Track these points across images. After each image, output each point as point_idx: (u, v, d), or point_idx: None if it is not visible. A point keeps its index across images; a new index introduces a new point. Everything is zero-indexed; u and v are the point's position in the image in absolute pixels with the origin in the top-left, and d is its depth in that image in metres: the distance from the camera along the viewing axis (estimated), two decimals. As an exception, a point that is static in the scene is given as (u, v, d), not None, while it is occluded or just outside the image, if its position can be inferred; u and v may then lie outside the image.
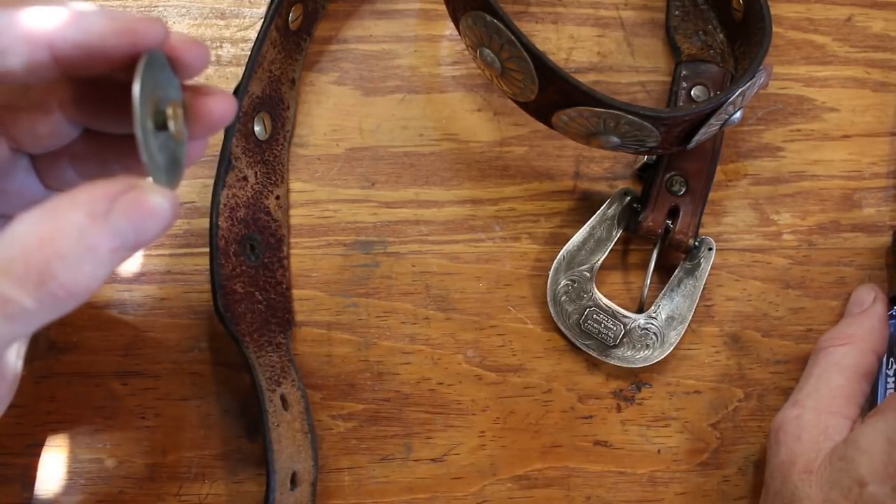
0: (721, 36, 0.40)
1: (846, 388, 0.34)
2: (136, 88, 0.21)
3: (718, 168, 0.39)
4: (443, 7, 0.36)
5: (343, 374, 0.36)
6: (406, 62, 0.40)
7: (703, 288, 0.37)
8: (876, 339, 0.35)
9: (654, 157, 0.38)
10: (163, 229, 0.21)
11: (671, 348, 0.37)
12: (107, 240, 0.20)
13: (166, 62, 0.23)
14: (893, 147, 0.41)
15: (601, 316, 0.37)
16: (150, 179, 0.22)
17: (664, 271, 0.38)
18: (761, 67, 0.35)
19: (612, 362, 0.37)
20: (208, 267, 0.33)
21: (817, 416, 0.33)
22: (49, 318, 0.20)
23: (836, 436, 0.32)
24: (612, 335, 0.37)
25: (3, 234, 0.19)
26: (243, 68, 0.36)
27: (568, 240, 0.37)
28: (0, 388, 0.23)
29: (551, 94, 0.33)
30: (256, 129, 0.36)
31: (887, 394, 0.37)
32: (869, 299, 0.37)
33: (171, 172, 0.23)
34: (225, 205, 0.34)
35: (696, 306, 0.37)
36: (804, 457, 0.32)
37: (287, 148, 0.38)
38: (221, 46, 0.39)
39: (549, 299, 0.37)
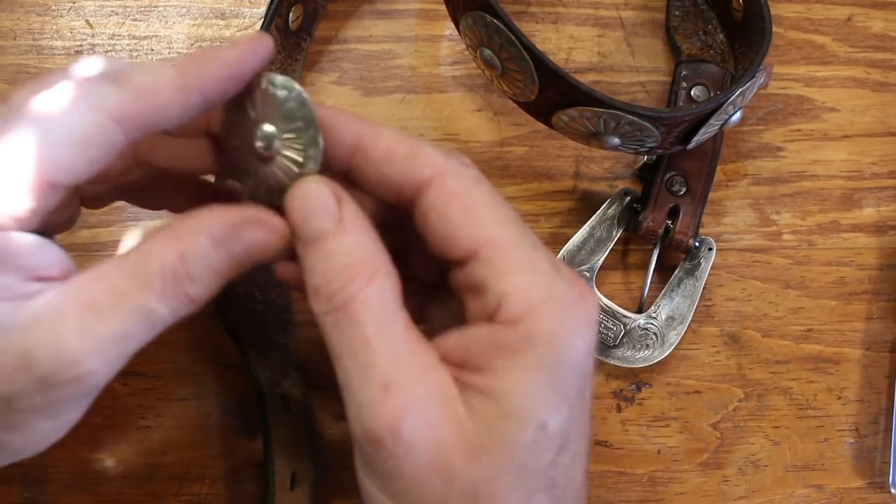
0: (721, 36, 0.40)
1: None
2: (310, 103, 0.24)
3: (718, 168, 0.39)
4: (443, 7, 0.36)
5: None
6: (406, 62, 0.40)
7: (703, 288, 0.37)
8: None
9: (654, 157, 0.38)
10: (274, 254, 0.24)
11: (671, 348, 0.37)
12: (226, 262, 0.23)
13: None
14: (893, 147, 0.41)
15: (601, 316, 0.37)
16: (258, 210, 0.24)
17: (664, 271, 0.38)
18: (761, 67, 0.35)
19: (612, 362, 0.37)
20: (208, 267, 0.33)
21: None
22: (170, 323, 0.23)
23: None
24: (612, 335, 0.37)
25: (135, 251, 0.22)
26: (243, 68, 0.36)
27: (568, 240, 0.37)
28: (95, 395, 0.24)
29: (551, 94, 0.33)
30: (256, 129, 0.36)
31: None
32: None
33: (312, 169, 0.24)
34: (225, 205, 0.34)
35: (696, 306, 0.37)
36: None
37: (287, 148, 0.38)
38: (221, 46, 0.39)
39: (549, 299, 0.37)
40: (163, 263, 0.22)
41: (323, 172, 0.24)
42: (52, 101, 0.22)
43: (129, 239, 0.35)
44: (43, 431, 0.23)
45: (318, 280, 0.23)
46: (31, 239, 0.22)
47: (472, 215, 0.23)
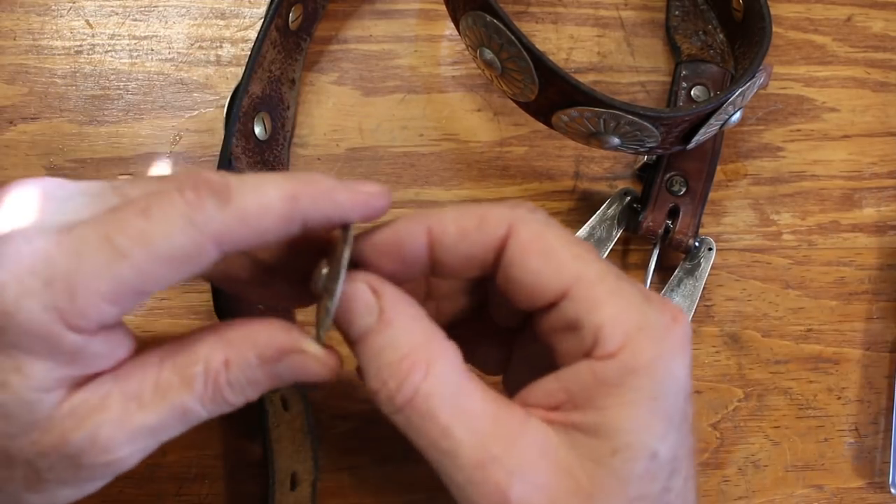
0: (721, 36, 0.40)
1: None
2: (346, 256, 0.23)
3: (718, 168, 0.39)
4: (443, 7, 0.36)
5: (343, 374, 0.36)
6: (406, 62, 0.40)
7: (703, 288, 0.37)
8: None
9: (654, 157, 0.38)
10: (320, 381, 0.24)
11: (671, 348, 0.37)
12: (269, 379, 0.23)
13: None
14: (893, 147, 0.41)
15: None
16: (312, 341, 0.24)
17: (664, 271, 0.38)
18: (761, 67, 0.35)
19: (612, 362, 0.37)
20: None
21: None
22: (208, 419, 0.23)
23: None
24: (612, 335, 0.37)
25: (182, 348, 0.23)
26: (243, 68, 0.36)
27: (568, 240, 0.37)
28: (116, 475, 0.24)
29: (551, 94, 0.33)
30: (256, 129, 0.36)
31: None
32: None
33: (326, 326, 0.24)
34: (225, 205, 0.34)
35: (696, 306, 0.37)
36: None
37: (287, 148, 0.38)
38: (221, 46, 0.39)
39: (549, 299, 0.37)
40: (207, 368, 0.22)
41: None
42: (159, 212, 0.21)
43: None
44: (64, 496, 0.23)
45: (375, 382, 0.23)
46: (105, 342, 0.22)
47: (553, 259, 0.23)
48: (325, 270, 0.24)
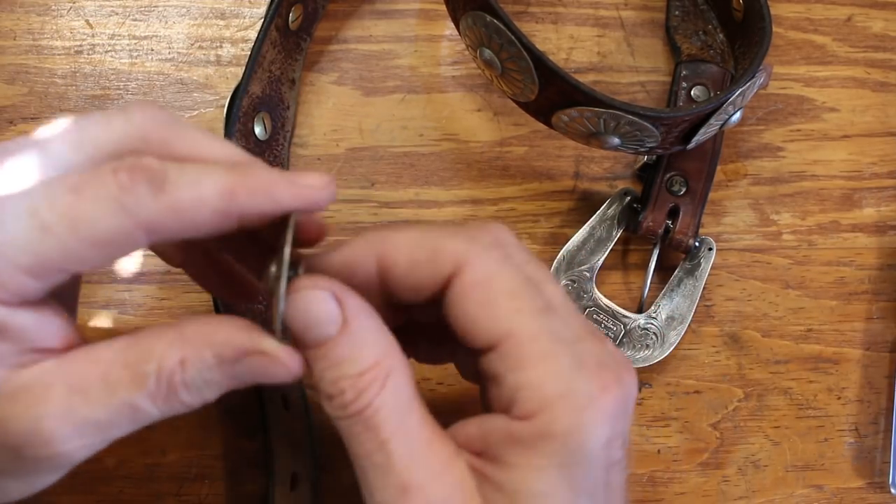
0: (721, 36, 0.40)
1: None
2: (287, 252, 0.22)
3: (718, 168, 0.39)
4: (443, 7, 0.36)
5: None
6: (406, 62, 0.40)
7: (703, 288, 0.37)
8: None
9: (654, 157, 0.38)
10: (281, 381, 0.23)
11: (671, 348, 0.37)
12: (227, 379, 0.23)
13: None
14: (893, 147, 0.41)
15: (601, 316, 0.37)
16: (272, 341, 0.23)
17: (664, 271, 0.38)
18: (761, 67, 0.35)
19: (612, 362, 0.37)
20: (208, 267, 0.33)
21: None
22: (157, 420, 0.22)
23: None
24: (612, 335, 0.37)
25: (135, 345, 0.22)
26: (243, 68, 0.36)
27: (568, 240, 0.37)
28: (64, 472, 0.24)
29: (551, 94, 0.33)
30: (256, 129, 0.36)
31: None
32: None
33: (278, 327, 0.23)
34: (225, 205, 0.34)
35: (696, 306, 0.37)
36: None
37: (287, 148, 0.38)
38: (221, 46, 0.39)
39: (549, 299, 0.37)
40: (161, 367, 0.22)
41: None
42: (89, 192, 0.20)
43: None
44: (9, 489, 0.23)
45: (330, 389, 0.22)
46: (31, 315, 0.21)
47: (490, 308, 0.23)
48: (272, 269, 0.23)
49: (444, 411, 0.37)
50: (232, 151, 0.24)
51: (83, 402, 0.21)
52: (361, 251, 0.24)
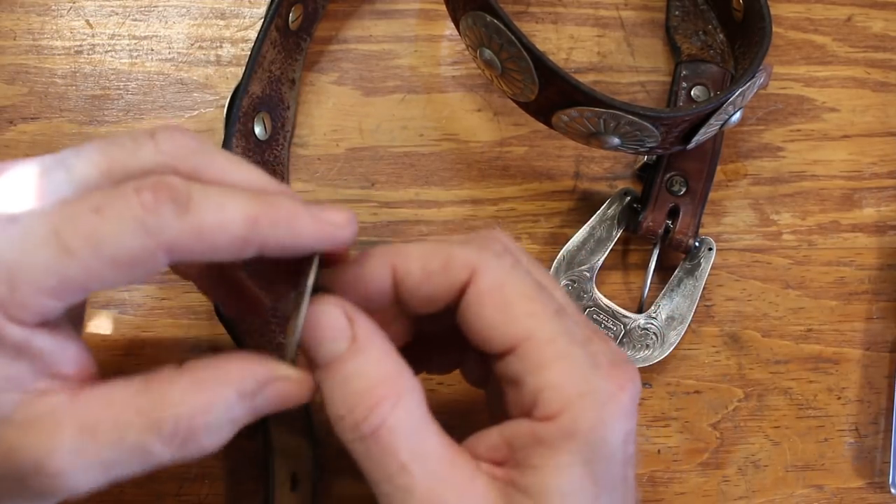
0: (721, 36, 0.40)
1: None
2: (310, 284, 0.23)
3: (718, 168, 0.39)
4: (443, 7, 0.36)
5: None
6: (406, 62, 0.40)
7: (703, 288, 0.37)
8: None
9: (654, 157, 0.38)
10: (295, 404, 0.24)
11: (671, 348, 0.37)
12: (248, 414, 0.23)
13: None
14: (893, 147, 0.41)
15: (601, 316, 0.37)
16: (286, 366, 0.23)
17: (664, 271, 0.38)
18: (761, 67, 0.35)
19: (612, 362, 0.37)
20: (208, 267, 0.33)
21: None
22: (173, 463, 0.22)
23: None
24: (612, 335, 0.37)
25: (149, 389, 0.22)
26: (243, 68, 0.36)
27: (568, 240, 0.37)
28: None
29: (551, 94, 0.33)
30: (256, 129, 0.36)
31: None
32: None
33: (292, 351, 0.24)
34: (225, 205, 0.34)
35: (696, 306, 0.37)
36: None
37: (287, 148, 0.38)
38: (221, 46, 0.39)
39: (549, 299, 0.37)
40: (178, 415, 0.21)
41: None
42: (111, 212, 0.20)
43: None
44: None
45: (341, 408, 0.22)
46: (49, 337, 0.21)
47: (507, 313, 0.23)
48: (293, 294, 0.23)
49: (443, 411, 0.37)
50: (260, 178, 0.24)
51: (93, 442, 0.21)
52: (375, 264, 0.24)
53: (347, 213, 0.23)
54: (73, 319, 0.24)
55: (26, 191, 0.21)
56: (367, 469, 0.22)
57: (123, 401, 0.22)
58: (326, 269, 0.24)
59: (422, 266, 0.24)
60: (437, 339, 0.28)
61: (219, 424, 0.22)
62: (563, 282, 0.37)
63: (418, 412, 0.23)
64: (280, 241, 0.22)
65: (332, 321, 0.23)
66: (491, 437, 0.24)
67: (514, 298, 0.23)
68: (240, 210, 0.21)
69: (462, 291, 0.23)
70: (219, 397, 0.22)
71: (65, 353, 0.22)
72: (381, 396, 0.22)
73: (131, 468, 0.22)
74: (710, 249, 0.38)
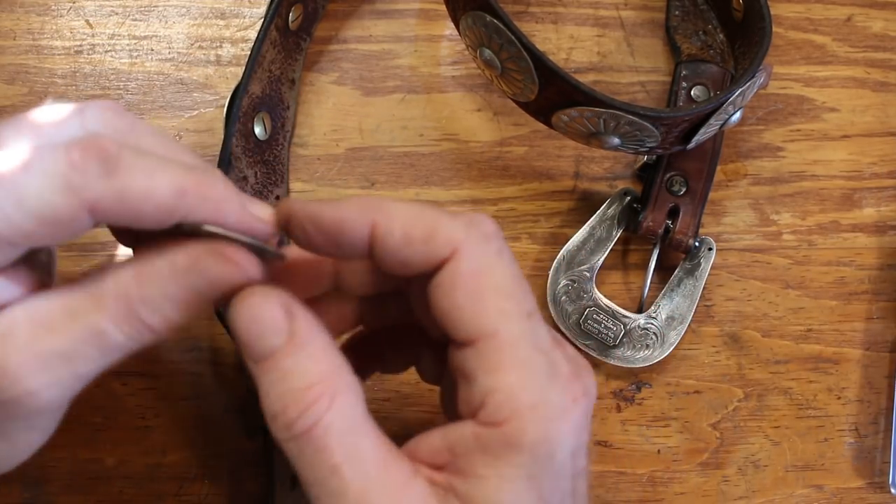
0: (721, 36, 0.40)
1: None
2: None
3: (718, 168, 0.39)
4: (443, 7, 0.36)
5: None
6: (406, 62, 0.40)
7: (703, 288, 0.37)
8: None
9: (654, 157, 0.38)
10: (237, 287, 0.22)
11: (671, 348, 0.37)
12: (185, 293, 0.22)
13: None
14: (893, 147, 0.41)
15: (601, 316, 0.37)
16: (224, 245, 0.22)
17: (664, 271, 0.38)
18: (761, 67, 0.35)
19: (612, 362, 0.37)
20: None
21: None
22: (131, 351, 0.22)
23: None
24: (612, 335, 0.37)
25: (100, 275, 0.22)
26: (243, 68, 0.36)
27: (568, 240, 0.37)
28: (56, 418, 0.23)
29: (551, 94, 0.33)
30: (256, 129, 0.36)
31: None
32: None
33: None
34: (225, 205, 0.34)
35: (696, 306, 0.37)
36: None
37: (287, 148, 0.38)
38: (221, 46, 0.39)
39: (548, 299, 0.37)
40: (117, 284, 0.21)
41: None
42: (38, 167, 0.20)
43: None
44: None
45: (275, 405, 0.21)
46: None
47: (479, 303, 0.22)
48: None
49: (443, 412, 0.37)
50: (193, 159, 0.24)
51: (46, 332, 0.21)
52: (356, 213, 0.22)
53: (271, 212, 0.23)
54: (37, 267, 0.23)
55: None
56: (300, 469, 0.22)
57: (68, 288, 0.22)
58: (304, 202, 0.23)
59: (404, 230, 0.22)
60: (390, 334, 0.28)
61: (154, 299, 0.21)
62: (563, 282, 0.37)
63: (354, 412, 0.22)
64: (203, 219, 0.22)
65: (269, 314, 0.22)
66: (433, 441, 0.23)
67: (490, 289, 0.22)
68: (169, 179, 0.21)
69: (439, 266, 0.22)
70: (150, 270, 0.22)
71: (16, 289, 0.22)
72: (316, 395, 0.21)
73: (91, 359, 0.21)
74: (710, 249, 0.38)
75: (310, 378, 0.21)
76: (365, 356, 0.27)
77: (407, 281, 0.25)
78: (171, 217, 0.21)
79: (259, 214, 0.23)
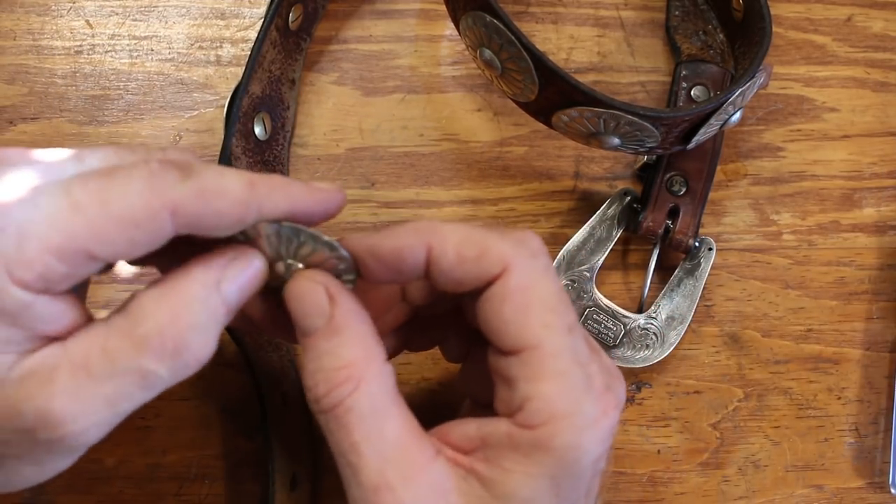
0: (721, 36, 0.40)
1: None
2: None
3: (718, 168, 0.39)
4: (443, 7, 0.36)
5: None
6: (406, 62, 0.40)
7: (703, 288, 0.37)
8: None
9: (654, 157, 0.38)
10: (260, 286, 0.24)
11: (671, 348, 0.37)
12: (223, 306, 0.23)
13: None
14: (893, 147, 0.41)
15: (601, 316, 0.37)
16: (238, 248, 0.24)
17: (664, 271, 0.38)
18: (761, 67, 0.35)
19: (612, 362, 0.37)
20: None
21: None
22: (172, 384, 0.22)
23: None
24: (612, 335, 0.37)
25: (126, 312, 0.22)
26: (243, 68, 0.36)
27: (568, 240, 0.37)
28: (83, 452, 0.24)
29: (551, 94, 0.33)
30: (256, 129, 0.36)
31: None
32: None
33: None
34: (225, 205, 0.34)
35: (696, 306, 0.37)
36: None
37: (287, 148, 0.38)
38: (221, 46, 0.39)
39: (549, 299, 0.37)
40: (160, 324, 0.22)
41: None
42: (121, 175, 0.21)
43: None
44: (25, 475, 0.23)
45: (308, 380, 0.24)
46: (51, 305, 0.21)
47: (525, 317, 0.24)
48: (290, 262, 0.25)
49: (443, 412, 0.37)
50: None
51: (88, 378, 0.21)
52: (412, 239, 0.24)
53: (335, 185, 0.25)
54: (82, 298, 0.24)
55: (41, 172, 0.22)
56: (329, 440, 0.24)
57: (107, 331, 0.22)
58: (360, 234, 0.25)
59: (457, 251, 0.24)
60: (422, 319, 0.29)
61: (200, 323, 0.22)
62: (564, 282, 0.37)
63: (381, 396, 0.24)
64: (277, 205, 0.23)
65: (314, 298, 0.24)
66: (467, 428, 0.24)
67: (536, 304, 0.24)
68: (237, 176, 0.23)
69: (490, 283, 0.24)
70: (191, 296, 0.22)
71: (65, 320, 0.22)
72: (344, 378, 0.23)
73: (135, 395, 0.22)
74: (710, 249, 0.38)
75: (340, 361, 0.23)
76: (395, 336, 0.29)
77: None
78: (247, 209, 0.23)
79: (325, 188, 0.25)
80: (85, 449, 0.23)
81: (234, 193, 0.22)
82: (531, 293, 0.24)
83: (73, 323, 0.22)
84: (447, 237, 0.24)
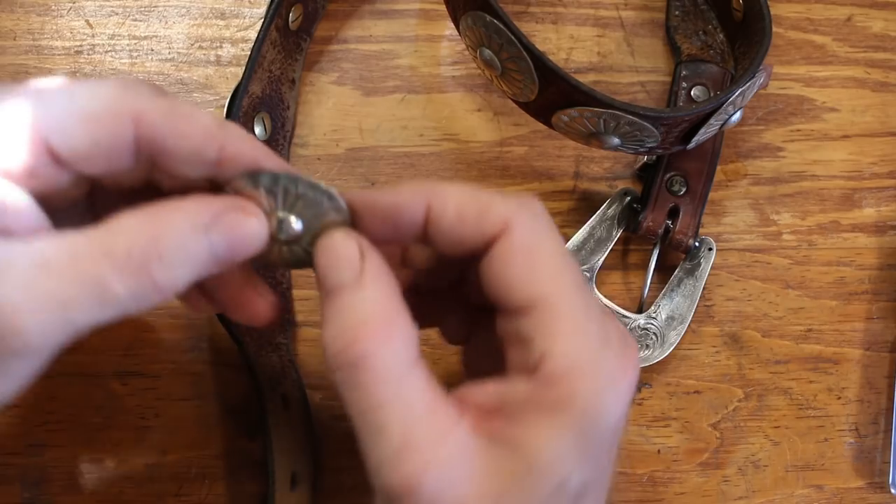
0: (721, 36, 0.40)
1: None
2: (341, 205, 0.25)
3: (718, 168, 0.39)
4: (443, 7, 0.36)
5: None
6: (406, 62, 0.40)
7: (703, 288, 0.37)
8: None
9: (654, 157, 0.38)
10: (255, 251, 0.24)
11: (671, 348, 0.37)
12: (202, 251, 0.22)
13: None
14: (893, 147, 0.41)
15: (601, 316, 0.37)
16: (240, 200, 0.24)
17: (664, 271, 0.38)
18: (761, 67, 0.35)
19: (612, 362, 0.37)
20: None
21: None
22: (129, 312, 0.21)
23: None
24: (612, 335, 0.37)
25: (108, 225, 0.21)
26: (243, 68, 0.36)
27: (568, 240, 0.37)
28: (42, 361, 0.23)
29: (551, 94, 0.33)
30: (256, 129, 0.36)
31: None
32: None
33: None
34: (225, 205, 0.34)
35: (696, 306, 0.37)
36: None
37: (287, 148, 0.38)
38: (221, 46, 0.39)
39: (549, 299, 0.37)
40: (129, 235, 0.21)
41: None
42: (90, 81, 0.22)
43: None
44: None
45: (333, 331, 0.23)
46: (9, 192, 0.21)
47: (534, 271, 0.23)
48: (293, 222, 0.24)
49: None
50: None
51: (46, 275, 0.20)
52: (411, 197, 0.24)
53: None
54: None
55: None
56: (346, 400, 0.22)
57: (76, 237, 0.21)
58: (360, 191, 0.25)
59: (457, 210, 0.24)
60: (421, 295, 0.28)
61: (173, 257, 0.22)
62: (563, 282, 0.37)
63: (405, 356, 0.23)
64: (241, 150, 0.23)
65: (344, 251, 0.23)
66: (487, 389, 0.24)
67: (543, 260, 0.23)
68: (212, 114, 0.23)
69: (491, 242, 0.24)
70: (171, 226, 0.22)
71: (25, 219, 0.22)
72: (369, 332, 0.22)
73: (88, 311, 0.21)
74: (710, 249, 0.38)
75: (366, 315, 0.22)
76: None
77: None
78: (210, 141, 0.23)
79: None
80: (39, 358, 0.21)
81: (203, 122, 0.22)
82: (536, 250, 0.23)
83: (35, 223, 0.22)
84: (447, 196, 0.24)
